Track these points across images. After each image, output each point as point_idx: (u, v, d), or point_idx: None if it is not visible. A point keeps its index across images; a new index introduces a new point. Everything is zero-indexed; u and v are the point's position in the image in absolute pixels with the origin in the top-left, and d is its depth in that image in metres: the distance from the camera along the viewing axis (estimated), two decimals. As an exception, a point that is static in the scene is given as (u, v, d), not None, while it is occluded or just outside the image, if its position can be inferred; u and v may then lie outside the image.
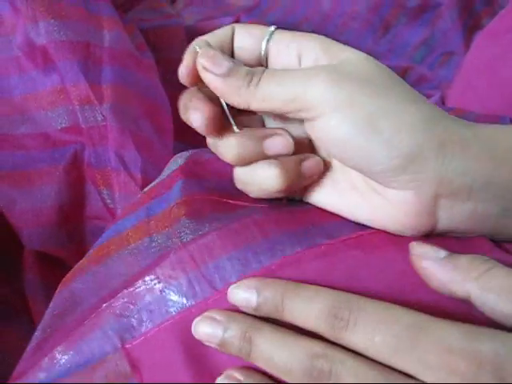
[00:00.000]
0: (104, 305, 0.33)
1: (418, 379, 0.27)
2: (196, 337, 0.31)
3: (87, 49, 0.59)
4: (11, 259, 0.57)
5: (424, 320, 0.28)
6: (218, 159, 0.36)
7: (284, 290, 0.31)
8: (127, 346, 0.32)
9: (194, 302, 0.32)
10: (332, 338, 0.29)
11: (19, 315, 0.55)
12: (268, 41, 0.36)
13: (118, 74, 0.59)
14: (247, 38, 0.37)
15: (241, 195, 0.37)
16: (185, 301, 0.32)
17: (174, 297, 0.32)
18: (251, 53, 0.37)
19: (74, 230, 0.57)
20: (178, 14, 0.87)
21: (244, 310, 0.31)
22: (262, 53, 0.36)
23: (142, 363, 0.32)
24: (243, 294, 0.31)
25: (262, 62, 0.37)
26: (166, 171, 0.41)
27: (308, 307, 0.30)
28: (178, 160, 0.41)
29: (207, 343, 0.31)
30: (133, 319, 0.33)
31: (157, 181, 0.41)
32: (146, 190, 0.41)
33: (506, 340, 0.26)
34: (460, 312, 0.30)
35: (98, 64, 0.59)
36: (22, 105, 0.58)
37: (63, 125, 0.57)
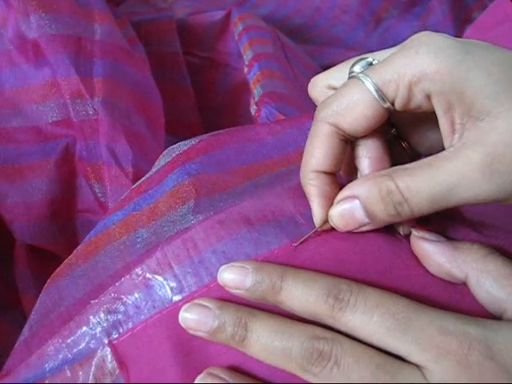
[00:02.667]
0: (92, 301, 0.33)
1: (410, 360, 0.28)
2: (183, 325, 0.31)
3: (78, 42, 0.59)
4: (2, 253, 0.57)
5: (419, 305, 0.29)
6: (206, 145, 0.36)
7: (283, 270, 0.31)
8: (114, 342, 0.32)
9: (180, 297, 0.32)
10: (330, 319, 0.29)
11: (11, 309, 0.55)
12: (385, 100, 0.31)
13: (109, 68, 0.59)
14: (360, 121, 0.32)
15: (231, 180, 0.37)
16: (172, 296, 0.32)
17: (160, 292, 0.32)
18: (372, 122, 0.32)
19: (66, 223, 0.57)
20: (170, 8, 0.86)
21: (234, 291, 0.31)
22: (385, 112, 0.32)
23: (128, 359, 0.32)
24: (237, 273, 0.31)
25: (385, 114, 0.32)
26: (156, 166, 0.41)
27: (309, 287, 0.30)
28: (169, 154, 0.41)
29: (194, 332, 0.31)
30: (119, 315, 0.33)
31: (146, 176, 0.41)
32: (135, 184, 0.41)
33: (494, 326, 0.28)
34: (450, 305, 0.30)
35: (90, 57, 0.59)
36: (13, 98, 0.58)
37: (54, 118, 0.57)
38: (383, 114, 0.32)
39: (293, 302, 0.30)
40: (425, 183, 0.29)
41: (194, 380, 0.30)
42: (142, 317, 0.32)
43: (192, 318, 0.31)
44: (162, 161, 0.41)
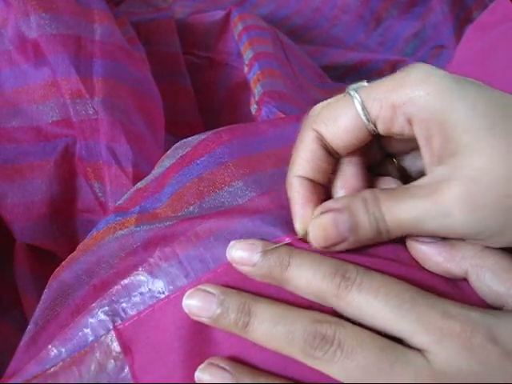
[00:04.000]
0: (97, 290, 0.33)
1: (412, 341, 0.28)
2: (186, 311, 0.31)
3: (78, 42, 0.59)
4: (2, 253, 0.57)
5: (421, 290, 0.29)
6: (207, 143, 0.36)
7: (291, 250, 0.31)
8: (119, 326, 0.32)
9: (186, 282, 0.32)
10: (335, 298, 0.29)
11: (10, 309, 0.56)
12: (367, 116, 0.31)
13: (109, 68, 0.59)
14: (341, 134, 0.32)
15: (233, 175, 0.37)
16: (178, 281, 0.32)
17: (166, 278, 0.32)
18: (356, 140, 0.32)
19: (65, 223, 0.57)
20: (169, 8, 0.86)
21: (242, 267, 0.31)
22: (370, 129, 0.32)
23: (134, 344, 0.32)
24: (245, 249, 0.31)
25: (372, 133, 0.32)
26: (160, 167, 0.41)
27: (317, 266, 0.30)
28: (172, 155, 0.41)
29: (197, 318, 0.31)
30: (124, 303, 0.33)
31: (150, 176, 0.41)
32: (138, 185, 0.41)
33: (495, 314, 0.28)
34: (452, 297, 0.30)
35: (89, 57, 0.59)
36: (13, 98, 0.58)
37: (54, 118, 0.57)
38: (364, 131, 0.32)
39: (299, 280, 0.30)
40: (400, 208, 0.30)
41: (196, 364, 0.31)
42: (148, 302, 0.32)
43: (195, 303, 0.31)
44: (165, 162, 0.41)
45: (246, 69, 0.73)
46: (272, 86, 0.67)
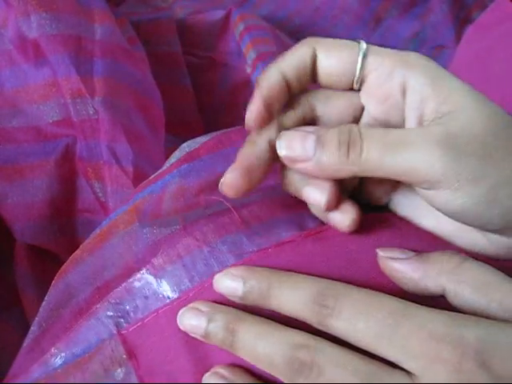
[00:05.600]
0: (101, 294, 0.33)
1: (400, 366, 0.27)
2: (181, 328, 0.31)
3: (79, 42, 0.59)
4: (2, 253, 0.57)
5: (407, 306, 0.28)
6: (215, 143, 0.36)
7: (270, 278, 0.31)
8: (123, 332, 0.32)
9: (191, 286, 0.32)
10: (317, 325, 0.29)
11: (10, 308, 0.55)
12: (363, 65, 0.32)
13: (109, 68, 0.59)
14: (334, 60, 0.33)
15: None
16: (182, 286, 0.32)
17: (170, 282, 0.32)
18: (340, 78, 0.33)
19: (66, 223, 0.57)
20: (169, 7, 0.86)
21: (230, 298, 0.31)
22: (356, 79, 0.33)
23: (138, 349, 0.32)
24: (229, 283, 0.31)
25: (353, 85, 0.33)
26: (166, 165, 0.41)
27: (294, 295, 0.30)
28: (180, 153, 0.41)
29: (192, 334, 0.31)
30: (128, 306, 0.33)
31: (155, 174, 0.41)
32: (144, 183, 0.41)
33: (489, 327, 0.27)
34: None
35: (90, 57, 0.59)
36: (13, 98, 0.58)
37: (55, 118, 0.57)
38: (349, 80, 0.33)
39: (283, 310, 0.30)
40: (381, 135, 0.30)
41: (203, 370, 0.31)
42: (152, 307, 0.32)
43: (188, 322, 0.31)
44: (172, 159, 0.41)
45: (248, 69, 0.73)
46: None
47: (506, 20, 0.64)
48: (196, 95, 0.76)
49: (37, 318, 0.36)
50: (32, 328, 0.36)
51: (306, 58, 0.33)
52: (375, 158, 0.30)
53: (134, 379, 0.32)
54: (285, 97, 0.33)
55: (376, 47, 0.33)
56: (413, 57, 0.32)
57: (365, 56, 0.32)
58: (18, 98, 0.58)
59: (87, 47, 0.59)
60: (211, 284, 0.32)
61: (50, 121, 0.57)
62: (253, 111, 0.33)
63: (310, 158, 0.31)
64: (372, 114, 0.34)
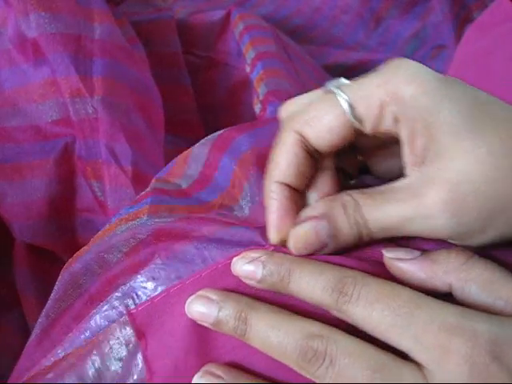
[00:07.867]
0: (110, 279, 0.33)
1: (411, 357, 0.27)
2: (189, 316, 0.31)
3: (78, 41, 0.59)
4: (2, 252, 0.57)
5: (421, 297, 0.28)
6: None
7: (291, 263, 0.31)
8: (132, 311, 0.32)
9: (203, 266, 0.32)
10: (335, 311, 0.29)
11: (10, 308, 0.55)
12: (355, 117, 0.31)
13: (108, 67, 0.59)
14: (327, 135, 0.31)
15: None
16: (194, 266, 0.32)
17: (179, 264, 0.32)
18: (340, 141, 0.32)
19: (65, 222, 0.57)
20: (169, 8, 0.86)
21: (246, 281, 0.31)
22: (352, 132, 0.31)
23: (147, 329, 0.32)
24: (248, 266, 0.31)
25: (352, 135, 0.32)
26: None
27: (315, 280, 0.30)
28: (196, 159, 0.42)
29: (201, 323, 0.31)
30: (138, 286, 0.32)
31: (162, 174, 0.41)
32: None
33: (501, 322, 0.27)
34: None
35: (89, 56, 0.59)
36: (12, 98, 0.58)
37: (54, 117, 0.57)
38: (349, 131, 0.31)
39: (301, 294, 0.30)
40: (383, 212, 0.30)
41: (209, 351, 0.31)
42: (161, 288, 0.32)
43: (197, 310, 0.31)
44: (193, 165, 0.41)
45: (248, 68, 0.73)
46: (276, 84, 0.67)
47: (506, 20, 0.64)
48: (196, 95, 0.76)
49: (44, 309, 0.36)
50: (39, 320, 0.36)
51: (296, 153, 0.32)
52: (387, 235, 0.31)
53: (141, 359, 0.31)
54: (297, 200, 0.33)
55: (352, 85, 0.31)
56: (398, 76, 0.30)
57: (351, 106, 0.31)
58: (17, 97, 0.58)
59: (86, 47, 0.59)
60: (225, 265, 0.32)
61: (49, 120, 0.57)
62: (273, 236, 0.33)
63: (325, 244, 0.31)
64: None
